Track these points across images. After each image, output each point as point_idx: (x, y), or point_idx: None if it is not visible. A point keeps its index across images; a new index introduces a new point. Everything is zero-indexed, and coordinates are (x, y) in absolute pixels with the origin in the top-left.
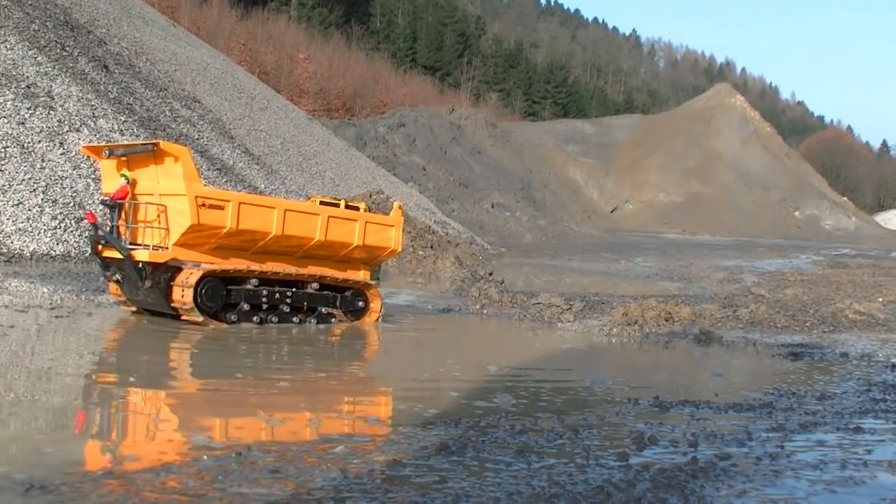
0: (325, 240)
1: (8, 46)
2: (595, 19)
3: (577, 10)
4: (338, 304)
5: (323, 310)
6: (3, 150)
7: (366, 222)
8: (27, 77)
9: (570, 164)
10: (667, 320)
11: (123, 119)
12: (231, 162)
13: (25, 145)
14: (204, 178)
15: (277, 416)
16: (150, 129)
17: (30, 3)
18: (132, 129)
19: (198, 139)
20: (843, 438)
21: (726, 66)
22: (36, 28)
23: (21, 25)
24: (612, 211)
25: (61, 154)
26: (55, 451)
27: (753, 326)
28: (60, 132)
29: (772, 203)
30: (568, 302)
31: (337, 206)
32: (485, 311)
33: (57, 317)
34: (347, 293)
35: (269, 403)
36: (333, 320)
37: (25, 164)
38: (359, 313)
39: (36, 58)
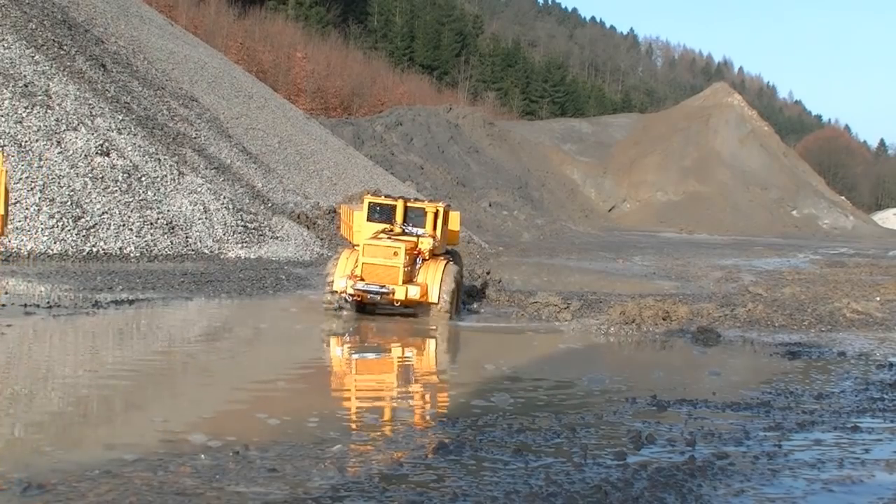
0: None
1: (5, 45)
2: (592, 18)
3: (574, 9)
4: None
5: None
6: (0, 148)
7: None
8: (25, 76)
9: (567, 162)
10: (664, 319)
11: (121, 118)
12: (228, 161)
13: (23, 144)
14: (201, 177)
15: None
16: (147, 128)
17: (27, 1)
18: (129, 128)
19: (195, 138)
20: (841, 437)
21: (724, 64)
22: (33, 27)
23: (18, 24)
24: (610, 210)
25: (59, 153)
26: None
27: (751, 325)
28: (58, 131)
29: (769, 202)
30: (565, 301)
31: (393, 207)
32: (482, 310)
33: None
34: None
35: None
36: None
37: (23, 162)
38: None
39: (33, 56)
